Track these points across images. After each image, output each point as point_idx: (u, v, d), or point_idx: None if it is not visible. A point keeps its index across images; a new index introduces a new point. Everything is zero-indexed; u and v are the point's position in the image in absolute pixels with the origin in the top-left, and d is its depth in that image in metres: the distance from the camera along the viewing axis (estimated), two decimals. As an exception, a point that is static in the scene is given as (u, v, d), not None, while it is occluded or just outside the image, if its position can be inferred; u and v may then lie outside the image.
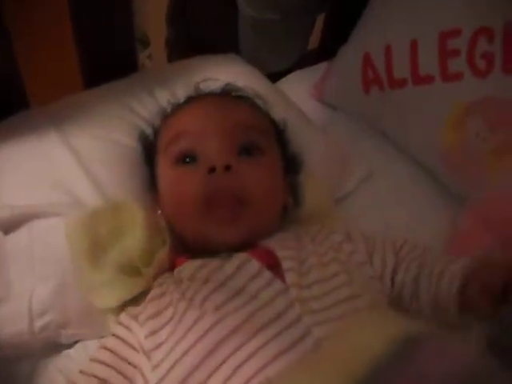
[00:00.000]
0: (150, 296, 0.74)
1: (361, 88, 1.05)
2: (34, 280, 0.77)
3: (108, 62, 0.99)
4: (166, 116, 0.88)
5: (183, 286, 0.72)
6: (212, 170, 0.74)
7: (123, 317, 0.75)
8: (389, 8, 1.01)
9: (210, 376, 0.63)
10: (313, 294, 0.68)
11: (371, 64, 1.02)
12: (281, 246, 0.74)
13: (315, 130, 1.00)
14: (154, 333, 0.69)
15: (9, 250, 0.79)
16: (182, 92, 0.96)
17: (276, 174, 0.81)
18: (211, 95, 0.88)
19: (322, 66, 1.20)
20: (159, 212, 0.81)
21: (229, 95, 0.88)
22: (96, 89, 0.99)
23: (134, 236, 0.77)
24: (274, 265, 0.71)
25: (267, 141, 0.82)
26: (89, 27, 0.95)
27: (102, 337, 0.80)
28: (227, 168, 0.74)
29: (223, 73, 1.00)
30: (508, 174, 0.88)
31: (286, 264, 0.71)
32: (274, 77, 1.16)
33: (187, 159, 0.78)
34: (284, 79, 1.19)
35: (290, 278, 0.69)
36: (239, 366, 0.62)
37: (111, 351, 0.71)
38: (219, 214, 0.74)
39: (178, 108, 0.87)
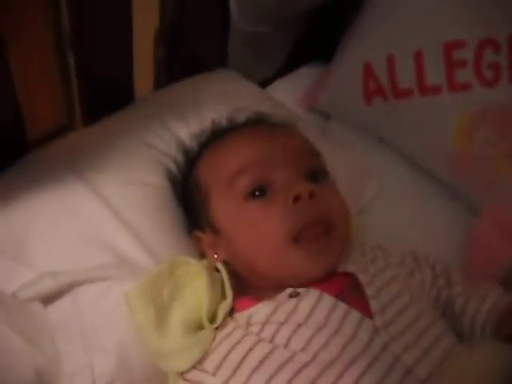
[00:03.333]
0: (213, 345, 0.73)
1: (362, 99, 1.05)
2: (90, 351, 0.73)
3: (108, 91, 0.93)
4: (209, 148, 0.84)
5: (254, 329, 0.71)
6: (297, 198, 0.73)
7: (191, 373, 0.73)
8: (389, 19, 1.01)
9: None
10: (390, 318, 0.70)
11: (373, 74, 1.02)
12: (361, 269, 0.75)
13: (332, 146, 1.00)
14: (230, 378, 0.69)
15: (53, 322, 0.75)
16: (195, 119, 0.95)
17: (341, 195, 0.81)
18: (257, 124, 0.86)
19: (303, 73, 1.22)
20: (215, 255, 0.79)
21: (275, 124, 0.87)
22: (101, 124, 0.94)
23: (195, 291, 0.75)
24: (345, 290, 0.73)
25: (324, 163, 0.82)
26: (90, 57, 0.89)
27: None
28: (311, 195, 0.73)
29: (228, 91, 1.00)
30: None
31: (369, 290, 0.72)
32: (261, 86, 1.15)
33: (257, 193, 0.75)
34: (270, 88, 1.18)
35: (374, 305, 0.71)
36: None
37: None
38: (311, 244, 0.73)
39: (223, 140, 0.83)
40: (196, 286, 0.75)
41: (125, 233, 0.79)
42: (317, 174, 0.79)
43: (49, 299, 0.75)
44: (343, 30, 1.11)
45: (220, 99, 0.98)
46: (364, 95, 1.05)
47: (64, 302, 0.75)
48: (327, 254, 0.74)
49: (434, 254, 0.88)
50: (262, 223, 0.74)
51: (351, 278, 0.74)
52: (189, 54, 1.04)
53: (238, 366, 0.69)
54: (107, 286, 0.75)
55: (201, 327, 0.75)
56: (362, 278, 0.74)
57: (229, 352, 0.70)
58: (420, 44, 0.97)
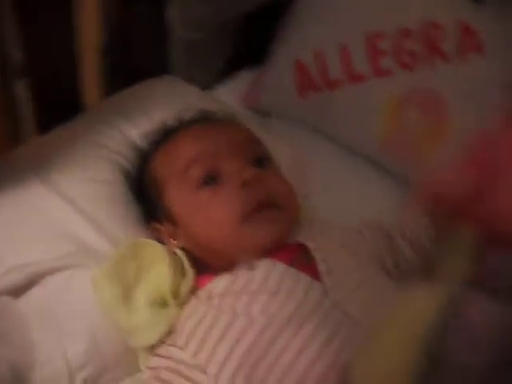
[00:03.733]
0: (180, 322, 0.78)
1: (296, 94, 1.13)
2: (62, 338, 0.78)
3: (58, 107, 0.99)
4: (161, 145, 0.90)
5: (215, 302, 0.77)
6: (245, 182, 0.80)
7: (161, 348, 0.78)
8: (315, 17, 1.10)
9: (271, 368, 0.69)
10: (338, 279, 0.76)
11: (304, 70, 1.11)
12: (309, 239, 0.82)
13: (273, 139, 1.07)
14: (198, 350, 0.74)
15: (24, 313, 0.78)
16: (143, 121, 1.00)
17: (286, 178, 0.88)
18: (203, 121, 0.93)
19: (242, 76, 1.28)
20: (172, 241, 0.84)
21: (220, 119, 0.94)
22: (56, 131, 0.99)
23: (159, 271, 0.80)
24: (296, 258, 0.79)
25: (268, 151, 0.89)
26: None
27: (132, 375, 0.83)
28: (258, 179, 0.81)
29: (172, 95, 1.06)
30: (442, 152, 1.02)
31: (317, 255, 0.78)
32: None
33: (208, 180, 0.82)
34: (211, 93, 1.25)
35: (322, 269, 0.77)
36: (296, 358, 0.69)
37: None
38: (261, 216, 0.80)
39: (173, 137, 0.89)
40: (159, 267, 0.80)
41: (86, 224, 0.84)
42: (262, 160, 0.86)
43: (18, 292, 0.79)
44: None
45: (166, 102, 1.04)
46: (298, 90, 1.13)
47: (34, 293, 0.79)
48: (275, 225, 0.80)
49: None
50: (215, 207, 0.81)
51: (301, 247, 0.81)
52: (132, 65, 1.10)
53: (204, 339, 0.74)
54: (74, 273, 0.80)
55: (165, 305, 0.79)
56: (311, 246, 0.80)
57: (195, 327, 0.76)
58: (345, 38, 1.07)
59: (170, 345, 0.77)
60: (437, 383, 0.60)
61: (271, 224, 0.80)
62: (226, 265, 0.81)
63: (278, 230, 0.81)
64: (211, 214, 0.81)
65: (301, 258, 0.79)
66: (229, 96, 1.23)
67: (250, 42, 1.26)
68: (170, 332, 0.78)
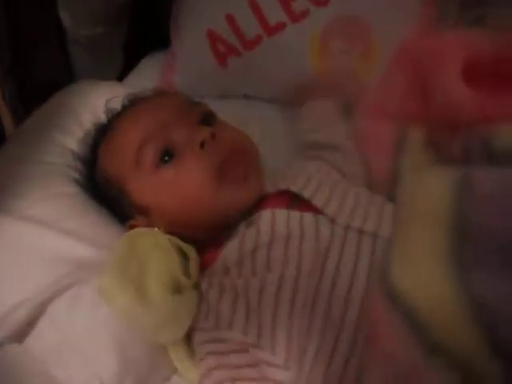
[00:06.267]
0: (211, 304, 0.73)
1: (216, 64, 1.09)
2: (90, 363, 0.70)
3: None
4: (101, 143, 0.85)
5: (235, 272, 0.73)
6: (202, 144, 0.76)
7: (201, 336, 0.72)
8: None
9: (314, 315, 0.67)
10: (337, 205, 0.75)
11: (218, 37, 1.07)
12: (291, 183, 0.79)
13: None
14: (246, 323, 0.69)
15: (39, 352, 0.70)
16: (77, 128, 0.95)
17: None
18: (135, 103, 0.87)
19: (146, 64, 1.23)
20: (156, 229, 0.77)
21: (149, 96, 0.89)
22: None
23: (160, 258, 0.74)
24: (290, 203, 0.77)
25: (209, 107, 0.86)
26: None
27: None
28: (213, 136, 0.76)
29: (96, 96, 1.00)
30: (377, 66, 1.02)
31: (306, 194, 0.76)
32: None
33: (165, 158, 0.77)
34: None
35: (317, 203, 0.75)
36: (330, 293, 0.67)
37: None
38: (235, 174, 0.76)
39: (111, 130, 0.84)
40: (158, 253, 0.74)
41: (68, 240, 0.78)
42: (207, 118, 0.82)
43: (24, 332, 0.72)
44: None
45: (92, 103, 0.98)
46: (217, 60, 1.09)
47: (41, 328, 0.72)
48: (253, 175, 0.79)
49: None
50: (183, 181, 0.76)
51: (287, 193, 0.78)
52: (38, 80, 1.02)
53: (247, 316, 0.69)
54: (77, 291, 0.74)
55: (180, 290, 0.73)
56: (295, 189, 0.77)
57: (235, 307, 0.70)
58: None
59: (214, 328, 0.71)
60: (470, 255, 0.60)
61: (249, 178, 0.78)
62: (218, 234, 0.77)
63: (257, 181, 0.79)
64: (182, 188, 0.77)
65: (293, 202, 0.77)
66: (139, 87, 1.16)
67: (146, 29, 1.21)
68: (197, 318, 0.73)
